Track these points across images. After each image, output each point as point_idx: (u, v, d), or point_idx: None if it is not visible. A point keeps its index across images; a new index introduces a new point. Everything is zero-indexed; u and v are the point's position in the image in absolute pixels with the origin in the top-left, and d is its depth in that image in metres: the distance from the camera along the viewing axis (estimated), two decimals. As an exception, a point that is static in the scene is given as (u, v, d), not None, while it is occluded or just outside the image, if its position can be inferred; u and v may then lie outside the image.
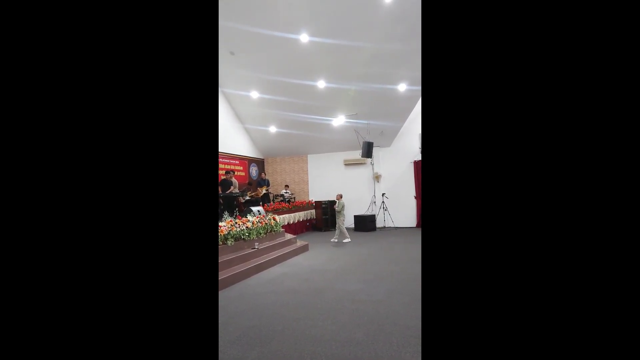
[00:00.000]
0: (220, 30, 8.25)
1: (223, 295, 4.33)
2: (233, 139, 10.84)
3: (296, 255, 6.81)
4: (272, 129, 11.08)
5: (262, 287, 4.62)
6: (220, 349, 2.78)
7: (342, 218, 8.43)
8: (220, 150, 10.14)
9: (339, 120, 10.15)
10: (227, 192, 7.97)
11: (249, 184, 11.04)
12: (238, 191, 8.47)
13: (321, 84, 9.01)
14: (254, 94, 9.85)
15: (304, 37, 7.96)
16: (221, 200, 7.80)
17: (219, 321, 3.40)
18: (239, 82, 9.66)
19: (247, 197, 9.60)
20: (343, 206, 8.41)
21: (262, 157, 12.59)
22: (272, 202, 10.31)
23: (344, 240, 8.22)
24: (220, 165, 9.99)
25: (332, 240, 8.37)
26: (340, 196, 8.57)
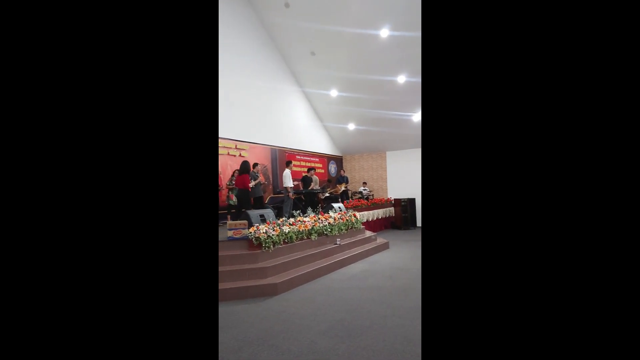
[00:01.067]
0: (302, 31, 8.54)
1: (309, 287, 4.49)
2: (313, 137, 11.15)
3: (377, 252, 6.77)
4: (351, 126, 11.14)
5: (346, 282, 4.69)
6: (310, 339, 2.89)
7: None
8: (300, 148, 10.51)
9: (419, 116, 9.80)
10: (309, 188, 8.24)
11: (328, 180, 11.25)
12: (318, 187, 8.70)
13: (401, 78, 8.79)
14: (333, 92, 9.99)
15: (384, 32, 7.84)
16: (302, 197, 8.10)
17: (307, 312, 3.54)
18: (319, 81, 9.89)
19: (327, 194, 9.80)
20: None
21: (340, 155, 12.74)
22: (350, 199, 10.38)
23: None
24: (302, 163, 10.35)
25: None
26: None
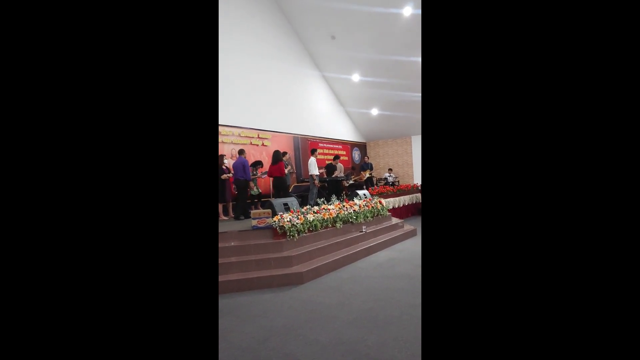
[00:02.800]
0: (321, 12, 8.31)
1: (335, 275, 4.41)
2: (335, 123, 10.97)
3: (404, 240, 6.60)
4: (374, 112, 10.88)
5: (373, 270, 4.57)
6: (338, 329, 2.81)
7: None
8: (323, 135, 10.37)
9: (446, 97, 9.43)
10: (332, 176, 8.12)
11: (352, 168, 11.10)
12: (343, 175, 8.57)
13: (426, 59, 8.45)
14: (355, 77, 9.75)
15: (407, 11, 7.52)
16: (326, 185, 8.00)
17: (334, 301, 3.46)
18: (340, 65, 9.66)
19: (351, 181, 9.66)
20: None
21: (364, 141, 12.51)
22: (375, 186, 10.19)
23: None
24: (325, 151, 10.22)
25: None
26: None
